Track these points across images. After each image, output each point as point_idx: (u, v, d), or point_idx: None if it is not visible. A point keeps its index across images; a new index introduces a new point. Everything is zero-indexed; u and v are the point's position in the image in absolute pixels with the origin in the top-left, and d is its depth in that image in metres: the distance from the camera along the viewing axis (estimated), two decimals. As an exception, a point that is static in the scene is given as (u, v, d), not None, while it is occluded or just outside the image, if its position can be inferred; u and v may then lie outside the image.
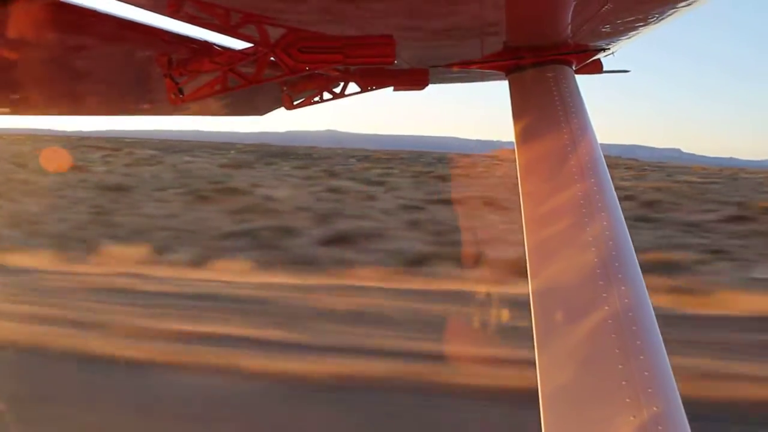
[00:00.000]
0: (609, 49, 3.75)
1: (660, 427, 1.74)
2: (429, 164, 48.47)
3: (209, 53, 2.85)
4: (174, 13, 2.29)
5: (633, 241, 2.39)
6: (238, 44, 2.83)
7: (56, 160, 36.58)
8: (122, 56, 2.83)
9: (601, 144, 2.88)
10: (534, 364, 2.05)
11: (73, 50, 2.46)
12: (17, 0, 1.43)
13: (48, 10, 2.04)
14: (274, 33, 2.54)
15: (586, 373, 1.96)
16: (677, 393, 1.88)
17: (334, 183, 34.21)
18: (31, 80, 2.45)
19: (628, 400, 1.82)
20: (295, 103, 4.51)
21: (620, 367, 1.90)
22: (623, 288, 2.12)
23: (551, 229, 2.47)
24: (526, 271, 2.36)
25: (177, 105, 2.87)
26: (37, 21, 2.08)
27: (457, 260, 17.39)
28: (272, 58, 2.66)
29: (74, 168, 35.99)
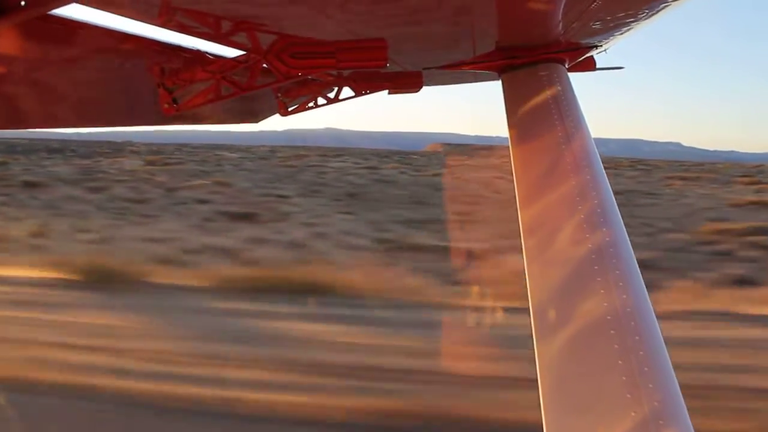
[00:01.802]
0: (601, 46, 3.75)
1: (661, 422, 1.74)
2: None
3: (202, 62, 2.86)
4: (165, 23, 2.30)
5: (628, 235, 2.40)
6: (231, 52, 2.83)
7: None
8: (115, 67, 2.83)
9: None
10: (534, 360, 2.04)
11: (65, 62, 2.47)
12: (7, 14, 1.43)
13: (40, 23, 2.05)
14: (266, 40, 2.54)
15: (586, 370, 1.96)
16: (678, 388, 1.87)
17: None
18: (22, 93, 2.45)
19: (628, 395, 1.81)
20: (289, 109, 4.52)
21: (620, 362, 1.90)
22: (621, 284, 2.12)
23: (547, 227, 2.47)
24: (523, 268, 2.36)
25: (171, 114, 2.87)
26: (28, 34, 2.08)
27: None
28: (265, 65, 2.66)
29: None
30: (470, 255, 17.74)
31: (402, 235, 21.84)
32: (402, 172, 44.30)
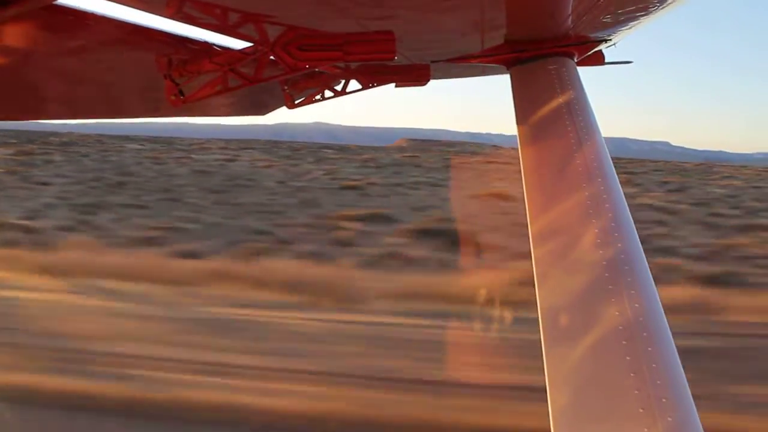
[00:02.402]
0: (610, 39, 3.72)
1: None
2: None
3: (209, 54, 2.85)
4: (173, 15, 2.28)
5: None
6: (238, 44, 2.82)
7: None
8: (121, 58, 2.83)
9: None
10: (544, 372, 1.97)
11: (71, 53, 2.46)
12: (10, 4, 1.42)
13: (46, 13, 2.04)
14: (274, 32, 2.53)
15: (597, 383, 1.90)
16: (692, 402, 1.81)
17: None
18: (29, 84, 2.45)
19: (641, 410, 1.75)
20: (296, 101, 4.51)
21: (632, 375, 1.84)
22: (633, 292, 2.04)
23: (557, 229, 2.40)
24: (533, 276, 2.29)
25: (178, 106, 2.87)
26: (34, 25, 2.07)
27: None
28: (272, 57, 2.65)
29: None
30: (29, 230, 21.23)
31: (38, 216, 24.31)
32: (253, 166, 46.25)
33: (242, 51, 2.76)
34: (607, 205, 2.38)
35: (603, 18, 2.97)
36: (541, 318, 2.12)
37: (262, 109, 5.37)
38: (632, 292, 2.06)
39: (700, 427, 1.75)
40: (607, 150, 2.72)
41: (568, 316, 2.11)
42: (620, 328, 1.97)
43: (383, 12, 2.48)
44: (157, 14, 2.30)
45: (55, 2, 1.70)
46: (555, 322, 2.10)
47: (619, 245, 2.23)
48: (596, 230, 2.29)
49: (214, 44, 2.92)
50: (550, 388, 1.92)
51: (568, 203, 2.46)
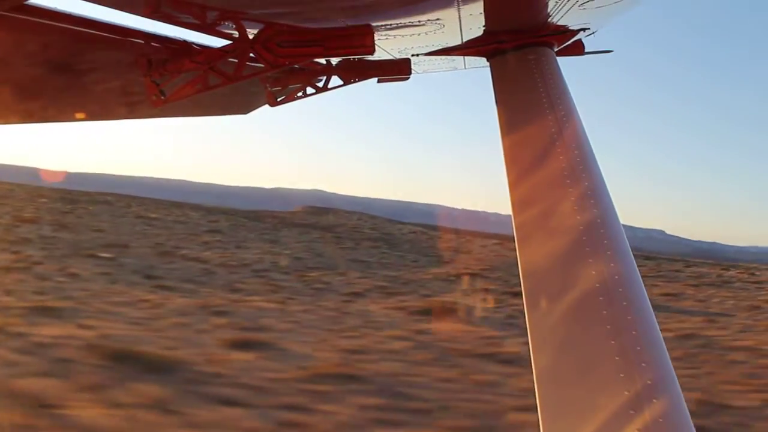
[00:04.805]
0: (589, 29, 3.74)
1: (654, 401, 1.76)
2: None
3: (188, 52, 2.83)
4: (151, 14, 2.27)
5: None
6: (218, 42, 2.81)
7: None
8: (99, 59, 2.80)
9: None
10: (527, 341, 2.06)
11: (46, 54, 2.43)
12: None
13: (18, 14, 2.01)
14: (253, 29, 2.52)
15: (579, 350, 1.98)
16: (671, 366, 1.89)
17: None
18: (5, 87, 2.42)
19: (621, 375, 1.83)
20: (278, 99, 4.49)
21: (612, 342, 1.92)
22: (612, 265, 2.14)
23: (539, 210, 2.46)
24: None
25: (159, 106, 2.85)
26: (9, 26, 2.04)
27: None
28: (252, 55, 2.64)
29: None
30: None
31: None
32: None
33: (222, 49, 2.75)
34: (586, 184, 2.46)
35: (581, 6, 2.98)
36: (524, 288, 2.21)
37: (244, 107, 5.34)
38: (611, 262, 2.16)
39: (679, 389, 1.83)
40: (587, 136, 2.74)
41: (550, 286, 2.20)
42: (600, 297, 2.06)
43: (362, 7, 2.48)
44: (134, 13, 2.28)
45: (27, 2, 1.68)
46: (538, 292, 2.19)
47: (598, 219, 2.32)
48: (576, 205, 2.39)
49: (194, 43, 2.90)
50: (533, 357, 2.01)
51: (548, 181, 2.55)
